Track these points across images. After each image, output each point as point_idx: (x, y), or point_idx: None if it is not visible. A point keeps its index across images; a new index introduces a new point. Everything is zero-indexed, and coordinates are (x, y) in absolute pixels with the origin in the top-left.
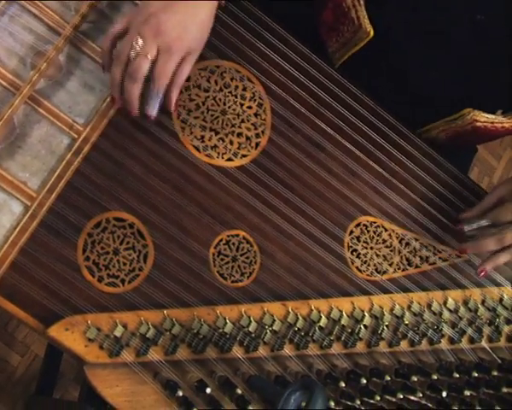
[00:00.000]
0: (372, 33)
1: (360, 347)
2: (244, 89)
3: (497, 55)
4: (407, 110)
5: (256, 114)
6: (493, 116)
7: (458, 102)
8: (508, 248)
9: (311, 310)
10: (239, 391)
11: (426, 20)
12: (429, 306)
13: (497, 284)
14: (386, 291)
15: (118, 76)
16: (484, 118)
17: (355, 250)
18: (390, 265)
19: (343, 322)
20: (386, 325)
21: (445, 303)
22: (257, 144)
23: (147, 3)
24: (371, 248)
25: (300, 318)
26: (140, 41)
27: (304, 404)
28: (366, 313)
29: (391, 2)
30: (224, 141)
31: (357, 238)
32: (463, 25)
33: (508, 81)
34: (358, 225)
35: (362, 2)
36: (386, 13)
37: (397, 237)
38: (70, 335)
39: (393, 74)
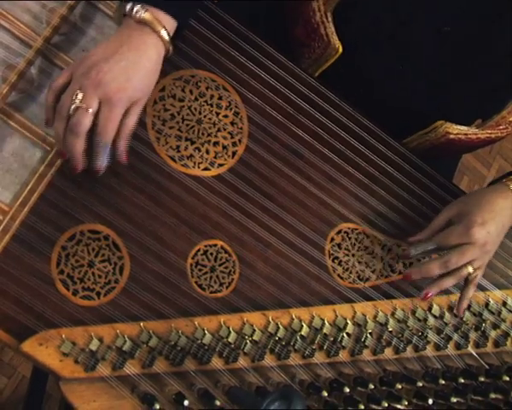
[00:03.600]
0: (341, 50)
1: (343, 355)
2: (220, 98)
3: (465, 67)
4: (381, 125)
5: (232, 123)
6: (466, 128)
7: (431, 115)
8: (453, 273)
9: (292, 319)
10: (218, 403)
11: (392, 35)
12: (414, 312)
13: (483, 289)
14: (369, 298)
15: (60, 131)
16: (456, 130)
17: (336, 258)
18: (373, 272)
19: (325, 331)
20: (370, 333)
21: (429, 309)
22: (234, 153)
23: (89, 53)
24: (353, 255)
25: (281, 327)
26: (80, 94)
27: None
28: (349, 321)
29: (357, 17)
30: (200, 150)
31: (339, 246)
32: (430, 37)
33: (480, 91)
34: (339, 232)
35: (330, 19)
36: (353, 28)
37: (379, 244)
38: (44, 350)
39: (364, 89)
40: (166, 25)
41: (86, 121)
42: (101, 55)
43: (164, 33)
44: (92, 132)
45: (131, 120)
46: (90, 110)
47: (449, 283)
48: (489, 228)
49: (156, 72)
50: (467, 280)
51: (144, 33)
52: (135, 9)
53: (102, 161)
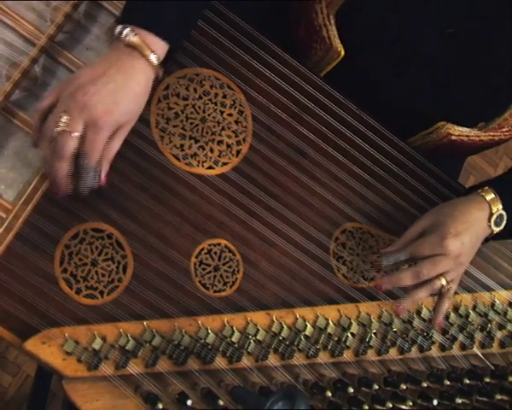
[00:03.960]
0: (343, 53)
1: (348, 355)
2: (224, 96)
3: (468, 68)
4: (386, 124)
5: (237, 122)
6: (468, 130)
7: (434, 116)
8: (426, 284)
9: (297, 319)
10: (221, 403)
11: (395, 36)
12: (418, 312)
13: (489, 289)
14: (373, 298)
15: (45, 153)
16: (458, 131)
17: (341, 257)
18: (377, 271)
19: (329, 330)
20: (375, 333)
21: (434, 310)
22: (238, 152)
23: (76, 74)
24: (358, 254)
25: (285, 327)
26: (64, 117)
27: None
28: (353, 321)
29: (360, 21)
30: (204, 149)
31: (343, 245)
32: (434, 39)
33: (482, 93)
34: (344, 231)
35: (332, 22)
36: (356, 31)
37: (384, 243)
38: (47, 348)
39: (368, 91)
40: (157, 49)
41: (71, 145)
42: (89, 77)
43: (153, 58)
44: (78, 155)
45: (116, 144)
46: (75, 134)
47: (421, 295)
48: (463, 239)
49: (145, 96)
50: (440, 293)
51: (133, 57)
52: (124, 33)
53: (86, 183)
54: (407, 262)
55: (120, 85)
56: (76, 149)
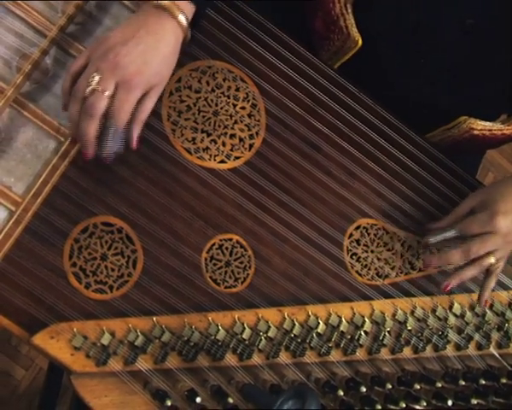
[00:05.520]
0: (360, 42)
1: (361, 354)
2: (237, 89)
3: (489, 60)
4: (402, 118)
5: (250, 115)
6: (491, 124)
7: (453, 110)
8: (474, 262)
9: (309, 316)
10: (231, 400)
11: (414, 27)
12: (434, 311)
13: (506, 288)
14: (387, 296)
15: (75, 114)
16: (480, 126)
17: (355, 254)
18: (392, 268)
19: (342, 328)
20: (388, 331)
21: (450, 308)
22: (251, 146)
23: (107, 36)
24: (372, 251)
25: (297, 324)
26: (96, 77)
27: None
28: (367, 319)
29: (378, 9)
30: (216, 143)
31: (357, 241)
32: (453, 30)
33: (504, 85)
34: (358, 227)
35: (349, 11)
36: (374, 21)
37: (399, 240)
38: (55, 343)
39: (385, 83)
40: (185, 10)
41: (102, 104)
42: (119, 39)
43: (182, 18)
44: (106, 117)
45: (148, 105)
46: (107, 93)
47: (470, 273)
48: None
49: (174, 57)
50: (488, 271)
51: (162, 18)
52: None
53: (112, 147)
54: (454, 242)
55: (151, 46)
56: (106, 111)
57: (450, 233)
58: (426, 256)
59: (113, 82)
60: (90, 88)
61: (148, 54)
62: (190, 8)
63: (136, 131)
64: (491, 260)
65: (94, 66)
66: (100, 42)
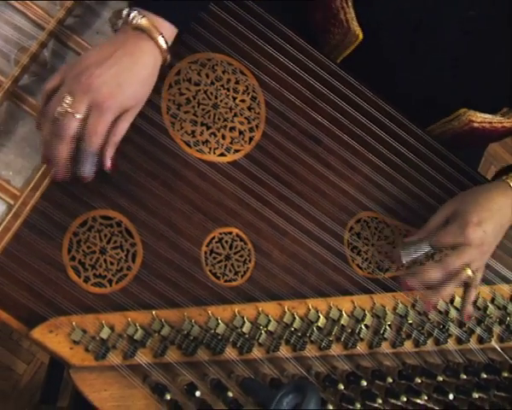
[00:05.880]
0: (361, 36)
1: (361, 348)
2: (237, 82)
3: (490, 53)
4: (403, 111)
5: (249, 108)
6: (491, 116)
7: (454, 103)
8: (452, 277)
9: (309, 310)
10: (230, 394)
11: (415, 19)
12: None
13: (508, 281)
14: (388, 289)
15: (46, 135)
16: (480, 118)
17: (355, 247)
18: (393, 262)
19: (343, 322)
20: (389, 325)
21: (451, 302)
22: (250, 139)
23: (82, 57)
24: (372, 244)
25: (297, 318)
26: (68, 98)
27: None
28: (367, 313)
29: (379, 3)
30: (215, 136)
31: (358, 235)
32: (454, 22)
33: (505, 78)
34: (359, 221)
35: (350, 4)
36: (374, 14)
37: (400, 233)
38: (54, 337)
39: (385, 77)
40: (164, 32)
41: (72, 126)
42: (94, 59)
43: (161, 41)
44: (79, 139)
45: (121, 128)
46: (78, 115)
47: (449, 289)
48: (485, 227)
49: (152, 80)
50: (466, 284)
51: (141, 40)
52: (131, 15)
53: (89, 169)
54: (426, 258)
55: (126, 68)
56: (77, 133)
57: (423, 247)
58: (406, 280)
59: (86, 104)
60: (61, 109)
61: (123, 76)
62: (171, 30)
63: (109, 154)
64: (468, 272)
65: (66, 87)
66: (75, 62)
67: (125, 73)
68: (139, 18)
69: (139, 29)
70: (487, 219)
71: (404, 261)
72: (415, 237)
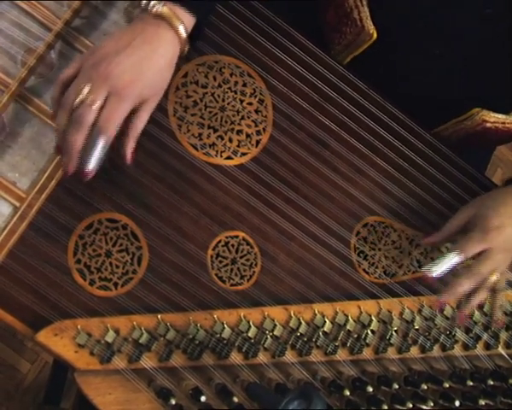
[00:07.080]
0: (375, 35)
1: (367, 353)
2: (244, 84)
3: (505, 52)
4: (414, 112)
5: (257, 111)
6: (504, 116)
7: (467, 102)
8: (481, 285)
9: (315, 314)
10: (236, 399)
11: (430, 18)
12: (441, 310)
13: None
14: (395, 295)
15: (62, 124)
16: (494, 118)
17: (362, 252)
18: (399, 267)
19: (349, 327)
20: (395, 330)
21: (458, 307)
22: (257, 142)
23: (100, 45)
24: (379, 249)
25: (303, 322)
26: (86, 87)
27: None
28: (374, 318)
29: (394, 1)
30: (222, 139)
31: (365, 239)
32: (470, 20)
33: None
34: (366, 225)
35: (364, 3)
36: (388, 12)
37: (407, 238)
38: (59, 340)
39: (398, 75)
40: (184, 21)
41: (90, 115)
42: (113, 48)
43: (182, 29)
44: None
45: (140, 120)
46: (96, 104)
47: (480, 297)
48: (507, 231)
49: (170, 70)
50: (493, 289)
51: (160, 28)
52: (151, 3)
53: (93, 163)
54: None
55: (145, 57)
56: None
57: (453, 260)
58: (438, 296)
59: (104, 92)
60: (79, 98)
61: (142, 64)
62: (190, 20)
63: (130, 146)
64: (495, 277)
65: (85, 75)
66: (92, 50)
67: (145, 62)
68: (160, 6)
69: (160, 17)
70: (508, 223)
71: (435, 275)
72: (434, 238)
